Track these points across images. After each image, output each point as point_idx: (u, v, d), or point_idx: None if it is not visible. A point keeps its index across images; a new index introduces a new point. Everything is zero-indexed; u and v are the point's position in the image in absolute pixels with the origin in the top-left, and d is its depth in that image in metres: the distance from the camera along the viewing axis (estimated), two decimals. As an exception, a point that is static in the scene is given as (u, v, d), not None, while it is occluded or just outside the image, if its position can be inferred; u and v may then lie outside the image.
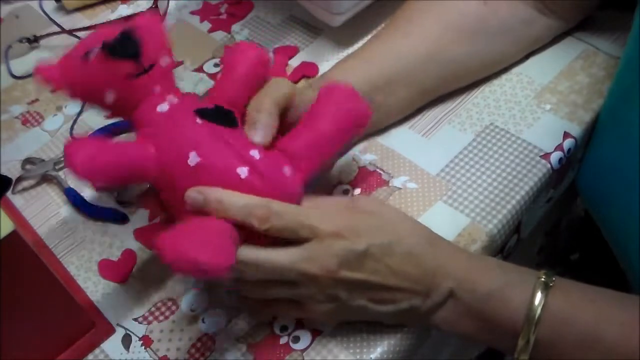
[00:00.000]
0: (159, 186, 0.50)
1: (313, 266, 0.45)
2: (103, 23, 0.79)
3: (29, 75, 0.75)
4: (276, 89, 0.51)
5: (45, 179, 0.66)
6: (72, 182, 0.65)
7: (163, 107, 0.49)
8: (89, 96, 0.50)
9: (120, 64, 0.48)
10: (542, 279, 0.47)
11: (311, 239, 0.46)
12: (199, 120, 0.48)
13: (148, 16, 0.52)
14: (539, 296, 0.46)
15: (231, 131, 0.49)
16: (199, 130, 0.48)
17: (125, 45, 0.48)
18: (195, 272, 0.43)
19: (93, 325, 0.54)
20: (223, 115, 0.50)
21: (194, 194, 0.46)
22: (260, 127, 0.49)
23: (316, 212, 0.47)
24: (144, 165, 0.48)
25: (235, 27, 0.77)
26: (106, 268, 0.59)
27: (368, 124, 0.53)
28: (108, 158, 0.46)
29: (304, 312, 0.50)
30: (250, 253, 0.46)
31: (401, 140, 0.63)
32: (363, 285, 0.47)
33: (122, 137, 0.67)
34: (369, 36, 0.72)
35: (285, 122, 0.52)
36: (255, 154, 0.48)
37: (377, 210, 0.49)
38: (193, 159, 0.47)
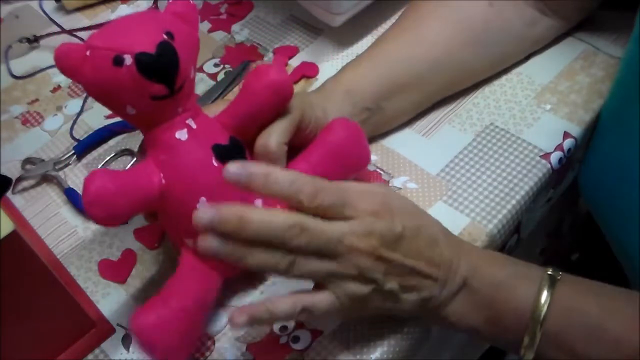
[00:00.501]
0: (160, 213, 0.50)
1: (359, 242, 0.44)
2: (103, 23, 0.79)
3: (29, 75, 0.75)
4: (285, 123, 0.51)
5: (45, 179, 0.66)
6: (72, 182, 0.65)
7: (182, 135, 0.48)
8: (108, 103, 0.48)
9: (150, 85, 0.44)
10: (549, 273, 0.47)
11: (353, 217, 0.45)
12: (215, 163, 0.48)
13: (184, 7, 0.48)
14: (545, 290, 0.46)
15: None
16: (214, 176, 0.48)
17: (162, 66, 0.44)
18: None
19: (93, 325, 0.54)
20: (237, 156, 0.50)
21: (235, 169, 0.42)
22: None
23: (355, 190, 0.46)
24: (153, 201, 0.48)
25: (235, 27, 0.77)
26: (106, 268, 0.59)
27: (366, 166, 0.56)
28: (125, 206, 0.46)
29: (335, 298, 0.46)
30: (312, 222, 0.44)
31: (401, 140, 0.63)
32: (397, 268, 0.46)
33: (122, 136, 0.68)
34: (369, 36, 0.72)
35: (296, 139, 0.53)
36: (259, 203, 0.50)
37: (394, 195, 0.49)
38: (202, 204, 0.48)
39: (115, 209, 0.46)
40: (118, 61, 0.44)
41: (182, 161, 0.48)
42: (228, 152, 0.49)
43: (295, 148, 0.53)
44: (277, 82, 0.50)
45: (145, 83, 0.44)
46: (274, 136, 0.51)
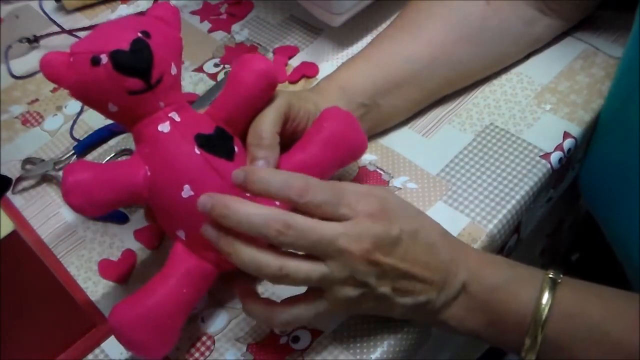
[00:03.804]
0: (152, 205, 0.51)
1: (352, 244, 0.44)
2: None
3: (29, 75, 0.75)
4: (274, 111, 0.51)
5: (45, 179, 0.66)
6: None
7: (164, 127, 0.48)
8: (92, 103, 0.49)
9: (126, 80, 0.46)
10: (550, 276, 0.47)
11: (348, 218, 0.45)
12: (197, 150, 0.48)
13: (165, 10, 0.50)
14: (546, 292, 0.46)
15: (227, 163, 0.49)
16: (196, 163, 0.48)
17: (135, 60, 0.46)
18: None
19: (93, 325, 0.54)
20: (222, 144, 0.50)
21: (235, 172, 0.45)
22: (260, 164, 0.50)
23: (352, 191, 0.46)
24: (138, 192, 0.49)
25: (235, 27, 0.77)
26: (106, 268, 0.59)
27: (362, 154, 0.55)
28: (104, 195, 0.47)
29: (325, 300, 0.47)
30: (301, 219, 0.44)
31: (401, 140, 0.63)
32: (392, 272, 0.46)
33: (122, 136, 0.68)
34: (369, 36, 0.72)
35: (286, 131, 0.53)
36: None
37: (394, 198, 0.49)
38: (186, 192, 0.48)
39: (92, 197, 0.47)
40: (95, 61, 0.46)
41: (164, 151, 0.48)
42: (212, 140, 0.49)
43: (286, 141, 0.53)
44: (263, 69, 0.50)
45: (121, 78, 0.46)
46: (266, 124, 0.51)
